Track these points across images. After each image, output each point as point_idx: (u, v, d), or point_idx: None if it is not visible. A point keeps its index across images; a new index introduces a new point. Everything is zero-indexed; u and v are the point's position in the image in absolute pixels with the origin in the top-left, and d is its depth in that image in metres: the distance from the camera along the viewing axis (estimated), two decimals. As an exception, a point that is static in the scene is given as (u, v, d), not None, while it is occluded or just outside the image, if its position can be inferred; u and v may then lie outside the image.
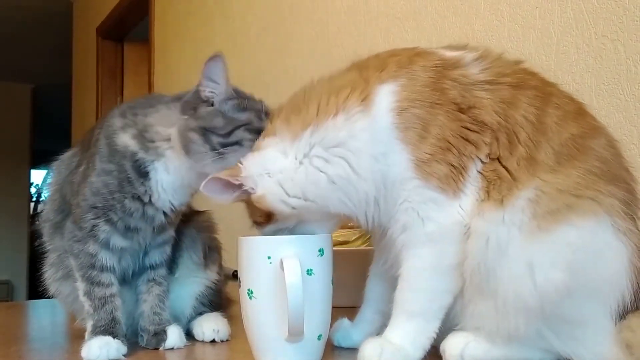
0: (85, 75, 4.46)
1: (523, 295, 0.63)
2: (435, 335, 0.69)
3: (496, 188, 0.67)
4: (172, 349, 0.84)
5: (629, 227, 0.65)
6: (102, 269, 0.83)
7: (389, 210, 0.71)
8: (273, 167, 0.72)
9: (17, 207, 6.40)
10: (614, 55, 0.99)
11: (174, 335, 0.84)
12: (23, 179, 6.60)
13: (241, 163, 0.74)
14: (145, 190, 0.81)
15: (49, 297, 0.94)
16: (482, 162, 0.68)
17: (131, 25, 3.83)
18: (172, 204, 0.84)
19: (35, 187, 7.33)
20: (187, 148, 0.78)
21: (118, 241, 0.84)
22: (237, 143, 0.77)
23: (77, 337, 0.88)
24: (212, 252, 0.97)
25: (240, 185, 0.73)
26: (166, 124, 0.81)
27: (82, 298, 0.83)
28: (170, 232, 0.89)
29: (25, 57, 5.69)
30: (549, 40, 1.10)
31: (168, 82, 3.00)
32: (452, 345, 0.68)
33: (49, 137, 6.95)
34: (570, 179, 0.65)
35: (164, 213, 0.84)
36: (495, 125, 0.68)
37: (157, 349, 0.83)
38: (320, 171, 0.70)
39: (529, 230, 0.64)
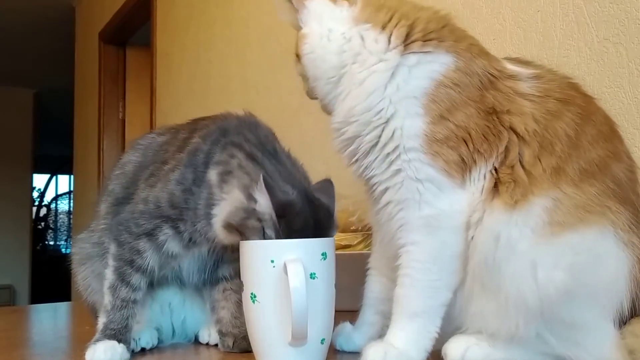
0: (87, 80, 4.47)
1: (524, 292, 0.64)
2: (437, 335, 0.70)
3: (509, 191, 0.67)
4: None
5: (631, 240, 0.66)
6: (139, 269, 0.81)
7: (376, 154, 0.71)
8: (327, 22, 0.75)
9: (19, 212, 6.40)
10: (616, 59, 0.99)
11: None
12: (25, 184, 6.61)
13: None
14: (209, 230, 0.78)
15: (51, 302, 0.93)
16: (494, 165, 0.68)
17: (133, 30, 3.84)
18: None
19: (37, 191, 7.34)
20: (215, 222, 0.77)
21: (174, 247, 0.81)
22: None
23: (79, 342, 0.88)
24: None
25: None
26: (237, 190, 0.76)
27: (106, 290, 0.81)
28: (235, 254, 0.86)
29: (28, 62, 5.71)
30: (551, 44, 1.10)
31: (170, 87, 3.01)
32: (453, 348, 0.68)
33: (51, 142, 6.98)
34: (586, 196, 0.66)
35: None
36: (527, 134, 0.68)
37: (249, 351, 0.79)
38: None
39: (542, 234, 0.64)
